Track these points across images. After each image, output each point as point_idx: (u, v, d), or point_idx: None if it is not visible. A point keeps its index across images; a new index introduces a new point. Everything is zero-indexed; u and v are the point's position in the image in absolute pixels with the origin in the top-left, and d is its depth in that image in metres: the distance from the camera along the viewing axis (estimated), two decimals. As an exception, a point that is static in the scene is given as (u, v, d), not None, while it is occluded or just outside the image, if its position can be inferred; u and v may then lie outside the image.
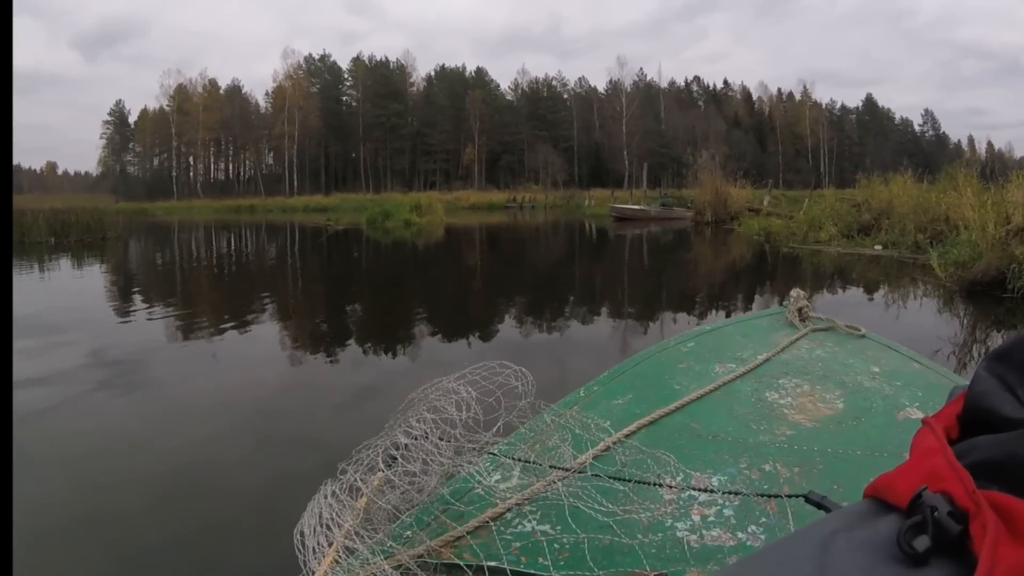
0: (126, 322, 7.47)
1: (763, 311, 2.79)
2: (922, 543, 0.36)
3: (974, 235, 9.10)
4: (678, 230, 23.41)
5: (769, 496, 1.19)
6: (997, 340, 5.95)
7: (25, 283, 11.44)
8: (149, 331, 6.70)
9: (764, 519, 1.15)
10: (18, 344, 5.75)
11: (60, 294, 10.13)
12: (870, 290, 9.41)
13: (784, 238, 16.48)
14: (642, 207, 31.09)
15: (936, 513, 0.36)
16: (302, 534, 1.07)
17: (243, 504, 2.86)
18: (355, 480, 1.17)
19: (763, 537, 1.11)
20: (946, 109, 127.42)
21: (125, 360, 5.52)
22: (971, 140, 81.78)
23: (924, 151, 72.08)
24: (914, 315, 7.33)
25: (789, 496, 1.16)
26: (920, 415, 1.59)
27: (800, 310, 2.52)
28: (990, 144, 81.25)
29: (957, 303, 7.77)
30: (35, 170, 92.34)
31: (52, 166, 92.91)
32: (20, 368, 4.81)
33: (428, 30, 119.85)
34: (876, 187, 16.74)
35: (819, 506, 1.03)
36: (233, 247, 21.55)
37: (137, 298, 9.64)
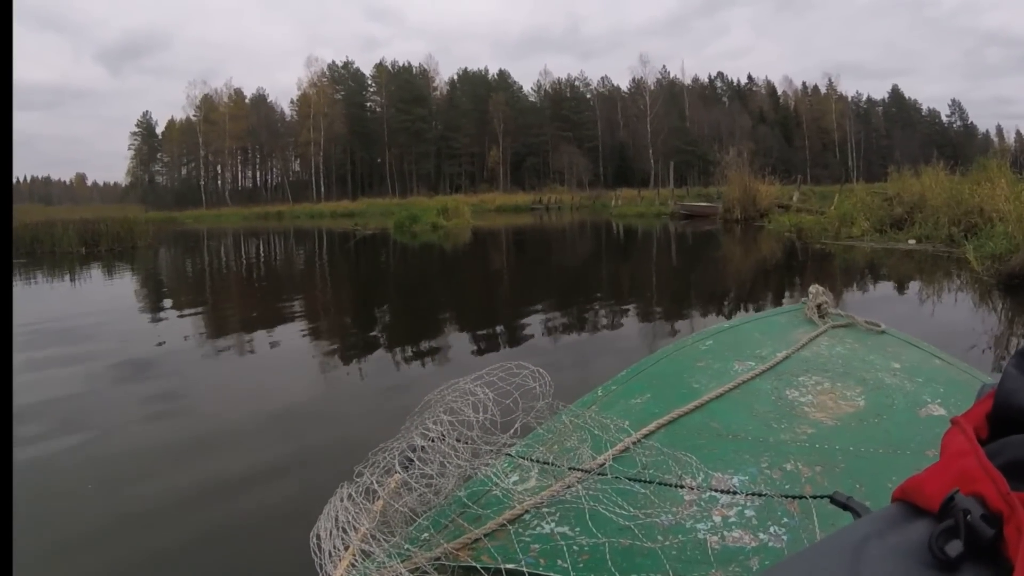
0: (157, 329, 7.59)
1: (781, 308, 2.74)
2: (955, 548, 0.35)
3: (1010, 227, 8.90)
4: (708, 229, 23.13)
5: (792, 497, 1.17)
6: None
7: (56, 292, 11.75)
8: (179, 337, 6.80)
9: (786, 520, 1.13)
10: (48, 352, 6.01)
11: (90, 301, 10.32)
12: (905, 285, 9.22)
13: (816, 234, 16.18)
14: (712, 204, 30.48)
15: (969, 517, 0.35)
16: (318, 537, 1.06)
17: (259, 506, 2.88)
18: (371, 483, 1.16)
19: (785, 538, 1.09)
20: (973, 98, 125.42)
21: (155, 365, 5.62)
22: (999, 130, 79.37)
23: (952, 142, 70.40)
24: (949, 310, 7.15)
25: (813, 497, 1.13)
26: (942, 412, 1.56)
27: (819, 306, 2.48)
28: (1019, 133, 79.13)
29: (994, 297, 7.58)
30: (65, 182, 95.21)
31: (81, 177, 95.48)
32: (50, 377, 4.98)
33: (449, 34, 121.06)
34: (907, 180, 16.41)
35: (844, 507, 1.01)
36: (263, 253, 21.80)
37: (167, 304, 9.78)
